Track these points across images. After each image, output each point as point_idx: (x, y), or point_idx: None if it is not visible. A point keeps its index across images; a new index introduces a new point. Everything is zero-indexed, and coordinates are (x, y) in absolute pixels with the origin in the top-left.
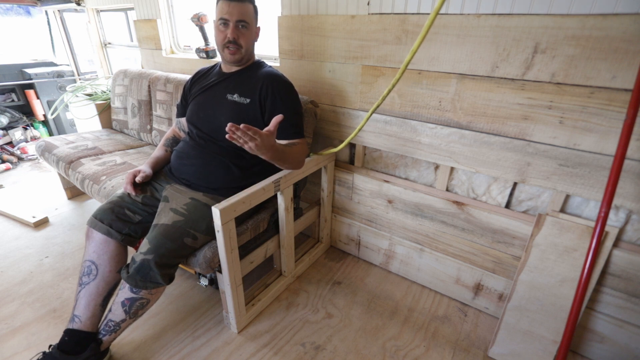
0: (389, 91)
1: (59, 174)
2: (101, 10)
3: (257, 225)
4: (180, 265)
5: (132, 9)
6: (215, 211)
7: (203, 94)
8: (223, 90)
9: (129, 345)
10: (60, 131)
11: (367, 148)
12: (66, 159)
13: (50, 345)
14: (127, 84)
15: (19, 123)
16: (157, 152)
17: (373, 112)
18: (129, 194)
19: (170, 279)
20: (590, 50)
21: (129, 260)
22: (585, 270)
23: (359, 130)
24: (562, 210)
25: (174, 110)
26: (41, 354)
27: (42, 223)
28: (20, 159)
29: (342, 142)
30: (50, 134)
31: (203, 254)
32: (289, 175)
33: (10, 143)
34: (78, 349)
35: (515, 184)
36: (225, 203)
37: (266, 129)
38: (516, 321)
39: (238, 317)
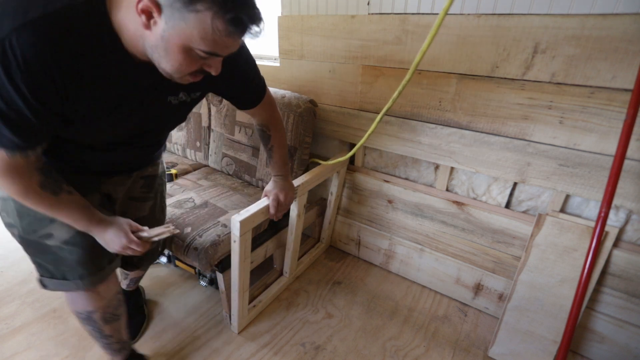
0: (399, 93)
1: None
2: None
3: (257, 226)
4: (180, 265)
5: None
6: (235, 222)
7: (127, 104)
8: (161, 92)
9: None
10: None
11: (367, 148)
12: None
13: None
14: None
15: None
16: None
17: (383, 115)
18: None
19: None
20: (590, 50)
21: None
22: (585, 270)
23: (369, 135)
24: (562, 210)
25: None
26: None
27: None
28: None
29: (341, 142)
30: None
31: (204, 250)
32: (306, 183)
33: None
34: None
35: (515, 184)
36: (246, 213)
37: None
38: (516, 321)
39: (240, 319)
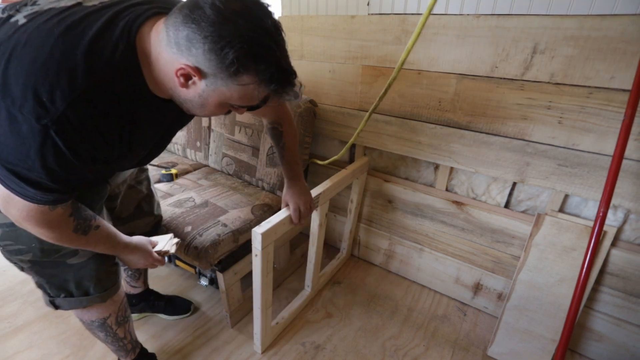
0: (386, 91)
1: None
2: None
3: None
4: (180, 265)
5: None
6: (257, 235)
7: (155, 137)
8: (183, 120)
9: None
10: None
11: (367, 148)
12: None
13: None
14: None
15: None
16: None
17: (371, 114)
18: None
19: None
20: (588, 51)
21: None
22: (584, 270)
23: (358, 133)
24: (561, 210)
25: None
26: None
27: None
28: None
29: (341, 142)
30: None
31: (205, 249)
32: (327, 191)
33: None
34: None
35: (514, 184)
36: (267, 225)
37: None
38: (515, 320)
39: (264, 338)
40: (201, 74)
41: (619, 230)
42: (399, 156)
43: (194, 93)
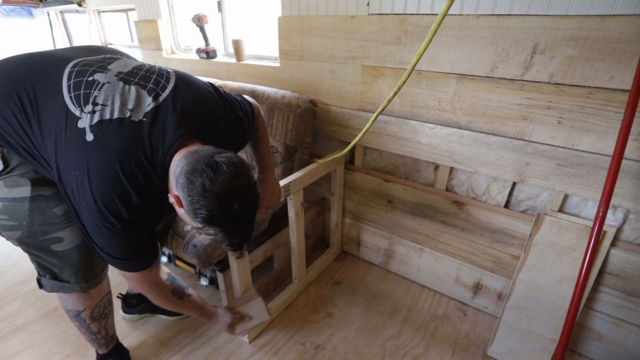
0: (395, 94)
1: None
2: (102, 11)
3: (257, 225)
4: (180, 265)
5: (133, 9)
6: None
7: None
8: None
9: (130, 345)
10: None
11: (367, 148)
12: None
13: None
14: None
15: None
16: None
17: (377, 115)
18: None
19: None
20: (588, 51)
21: None
22: (584, 270)
23: (363, 134)
24: (561, 210)
25: None
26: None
27: None
28: None
29: (341, 142)
30: None
31: (204, 247)
32: (298, 180)
33: None
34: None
35: (514, 184)
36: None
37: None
38: (515, 320)
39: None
40: (181, 204)
41: (619, 230)
42: (399, 156)
43: (179, 211)
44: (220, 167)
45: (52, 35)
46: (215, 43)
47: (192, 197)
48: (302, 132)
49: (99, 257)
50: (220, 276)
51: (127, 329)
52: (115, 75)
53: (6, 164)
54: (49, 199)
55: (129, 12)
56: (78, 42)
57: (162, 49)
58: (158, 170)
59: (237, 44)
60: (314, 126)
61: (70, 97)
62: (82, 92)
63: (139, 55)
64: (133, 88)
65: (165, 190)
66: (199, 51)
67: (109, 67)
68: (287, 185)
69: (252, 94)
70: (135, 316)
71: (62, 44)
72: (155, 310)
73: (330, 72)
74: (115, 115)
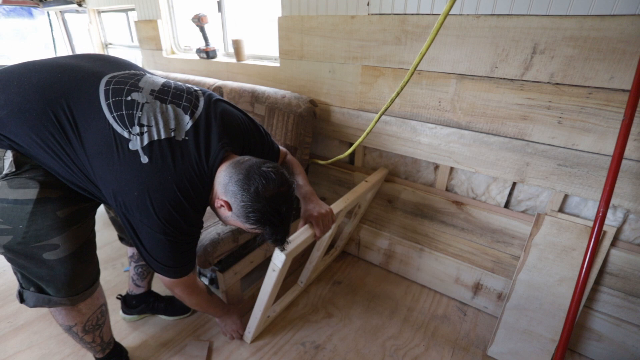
0: (397, 94)
1: None
2: (102, 11)
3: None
4: None
5: (132, 9)
6: (280, 255)
7: None
8: None
9: (130, 345)
10: None
11: (367, 148)
12: None
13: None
14: None
15: None
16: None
17: (380, 116)
18: None
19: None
20: (588, 51)
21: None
22: (584, 270)
23: (366, 135)
24: (561, 210)
25: None
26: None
27: None
28: None
29: (341, 142)
30: None
31: (204, 247)
32: (349, 206)
33: None
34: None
35: (514, 184)
36: (291, 246)
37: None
38: (515, 320)
39: (256, 332)
40: (230, 208)
41: (619, 230)
42: (399, 156)
43: (224, 214)
44: (269, 176)
45: (52, 36)
46: (215, 43)
47: (245, 202)
48: (302, 132)
49: (153, 269)
50: (220, 276)
51: (127, 330)
52: (150, 94)
53: (18, 167)
54: (55, 202)
55: (129, 12)
56: (78, 42)
57: (162, 49)
58: (206, 183)
59: (237, 44)
60: (314, 126)
61: (114, 117)
62: (124, 112)
63: (139, 55)
64: (170, 107)
65: (208, 198)
66: (199, 51)
67: (140, 84)
68: (338, 213)
69: (252, 94)
70: (135, 317)
71: (62, 44)
72: (155, 310)
73: (330, 72)
74: (163, 136)
